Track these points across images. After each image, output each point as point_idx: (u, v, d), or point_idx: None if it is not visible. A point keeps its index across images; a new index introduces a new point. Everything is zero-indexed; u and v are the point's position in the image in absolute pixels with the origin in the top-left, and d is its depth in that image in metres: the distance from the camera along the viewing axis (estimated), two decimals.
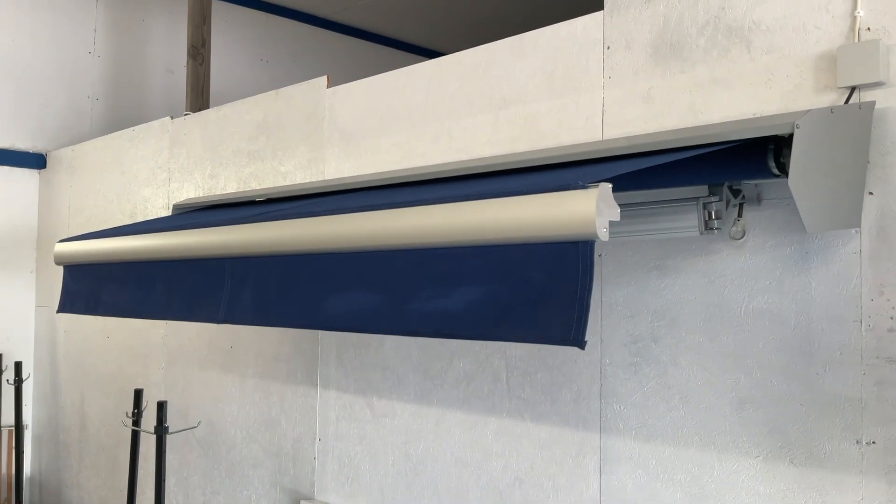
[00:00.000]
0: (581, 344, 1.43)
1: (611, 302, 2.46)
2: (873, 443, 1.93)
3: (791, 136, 1.68)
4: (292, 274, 2.19)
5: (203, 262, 2.50)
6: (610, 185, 1.46)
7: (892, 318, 1.91)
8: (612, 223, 2.19)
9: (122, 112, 6.17)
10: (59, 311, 3.20)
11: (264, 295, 2.28)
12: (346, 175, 3.38)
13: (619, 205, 2.24)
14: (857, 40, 1.97)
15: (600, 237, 1.43)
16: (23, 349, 5.63)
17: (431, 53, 8.06)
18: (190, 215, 3.29)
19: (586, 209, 1.44)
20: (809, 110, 1.77)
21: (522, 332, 1.57)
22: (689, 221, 2.06)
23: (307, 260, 2.13)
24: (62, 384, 5.37)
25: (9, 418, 5.41)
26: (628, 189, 2.18)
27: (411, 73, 3.14)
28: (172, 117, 4.48)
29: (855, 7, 1.99)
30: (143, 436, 3.95)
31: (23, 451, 5.36)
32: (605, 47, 2.51)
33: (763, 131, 1.72)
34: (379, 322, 1.92)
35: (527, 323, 1.55)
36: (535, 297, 1.54)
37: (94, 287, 3.05)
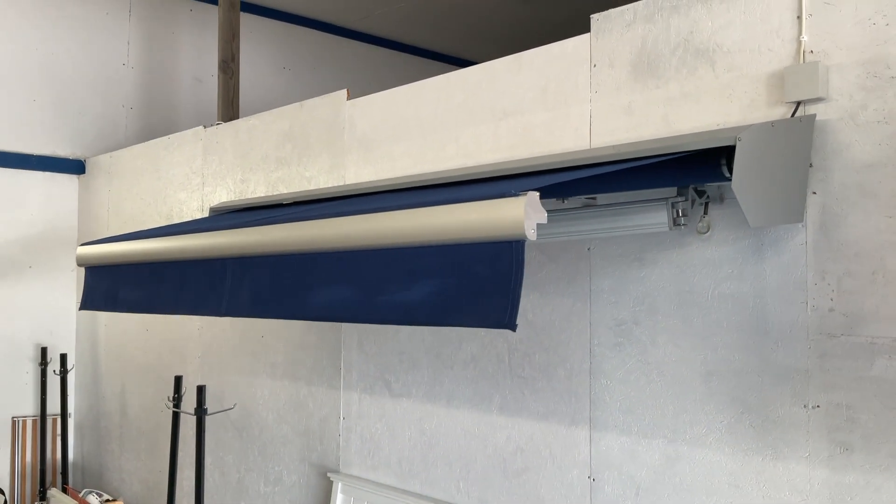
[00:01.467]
0: (513, 327, 1.69)
1: (598, 290, 2.79)
2: (818, 407, 2.26)
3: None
4: (282, 272, 2.48)
5: (207, 263, 2.79)
6: (537, 193, 1.73)
7: (832, 300, 2.23)
8: (590, 221, 2.53)
9: (154, 120, 6.57)
10: (80, 309, 3.51)
11: (259, 290, 2.58)
12: (364, 179, 3.73)
13: (602, 205, 2.58)
14: (801, 61, 2.29)
15: (529, 237, 1.70)
16: (65, 343, 6.04)
17: (445, 58, 8.41)
18: (201, 221, 3.61)
19: (516, 214, 1.72)
20: (751, 125, 2.10)
21: (469, 318, 1.83)
22: (660, 219, 2.39)
23: (294, 259, 2.43)
24: (103, 375, 5.77)
25: (52, 408, 5.83)
26: (610, 191, 2.51)
27: (422, 87, 3.48)
28: (205, 126, 4.85)
29: (800, 33, 2.31)
30: (181, 420, 4.33)
31: (67, 438, 5.78)
32: (592, 65, 2.84)
33: (713, 143, 2.04)
34: (355, 312, 2.18)
35: (472, 310, 1.81)
36: (478, 288, 1.81)
37: (112, 286, 3.33)
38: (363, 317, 2.15)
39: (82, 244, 3.57)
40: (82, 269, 6.07)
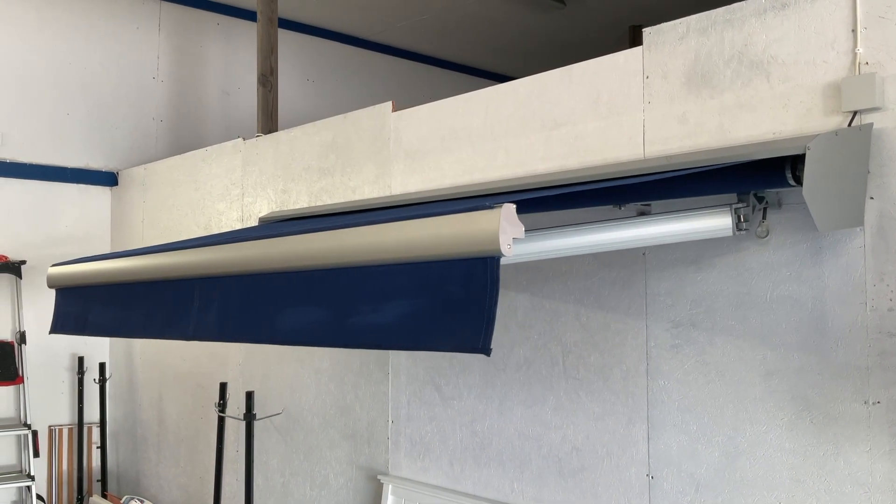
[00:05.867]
0: (487, 352, 1.58)
1: (654, 293, 2.89)
2: (878, 403, 2.35)
3: (804, 154, 2.10)
4: (250, 293, 2.32)
5: (174, 283, 2.64)
6: (513, 206, 1.62)
7: (890, 300, 2.33)
8: (647, 227, 2.63)
9: (183, 132, 6.69)
10: (51, 332, 3.34)
11: (227, 313, 2.42)
12: (410, 189, 3.84)
13: (658, 213, 2.68)
14: (857, 73, 2.40)
15: (504, 253, 1.58)
16: (99, 353, 6.13)
17: (464, 69, 8.54)
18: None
19: (491, 227, 1.60)
20: (818, 134, 2.20)
21: (441, 343, 1.71)
22: (723, 224, 2.49)
23: (262, 280, 2.27)
24: (139, 383, 5.86)
25: (86, 416, 5.92)
26: (670, 197, 2.62)
27: (470, 98, 3.59)
28: (245, 138, 4.96)
29: (855, 45, 2.42)
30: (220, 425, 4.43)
31: (106, 445, 5.87)
32: (645, 77, 2.94)
33: (781, 152, 2.15)
34: (325, 336, 2.05)
35: (444, 334, 1.70)
36: (451, 309, 1.69)
37: (82, 308, 3.18)
38: (334, 341, 2.03)
39: (53, 265, 3.40)
40: None
